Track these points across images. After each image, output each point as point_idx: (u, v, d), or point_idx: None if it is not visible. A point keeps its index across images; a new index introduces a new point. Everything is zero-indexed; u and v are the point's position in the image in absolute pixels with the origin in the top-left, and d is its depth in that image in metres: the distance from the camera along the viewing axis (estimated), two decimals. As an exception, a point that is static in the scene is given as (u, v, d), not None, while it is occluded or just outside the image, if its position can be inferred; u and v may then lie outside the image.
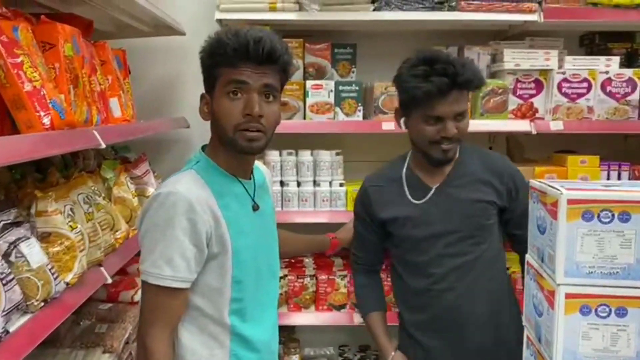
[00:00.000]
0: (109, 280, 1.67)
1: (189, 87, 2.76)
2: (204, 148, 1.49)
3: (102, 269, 1.65)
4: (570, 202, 1.14)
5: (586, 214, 1.13)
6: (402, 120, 1.82)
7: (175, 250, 1.31)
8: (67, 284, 1.43)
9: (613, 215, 1.12)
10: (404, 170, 1.88)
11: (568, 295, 1.15)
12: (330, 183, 2.52)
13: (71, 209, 1.54)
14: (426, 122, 1.71)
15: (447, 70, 1.64)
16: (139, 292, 2.18)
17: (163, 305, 1.34)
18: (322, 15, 2.35)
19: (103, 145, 1.58)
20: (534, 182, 1.38)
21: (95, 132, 1.58)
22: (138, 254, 2.07)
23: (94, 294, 1.95)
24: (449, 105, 1.68)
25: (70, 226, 1.49)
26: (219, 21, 2.40)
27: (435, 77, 1.64)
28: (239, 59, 1.33)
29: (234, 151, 1.40)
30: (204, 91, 1.45)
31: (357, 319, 2.50)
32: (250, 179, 1.51)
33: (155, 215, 1.33)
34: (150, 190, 2.22)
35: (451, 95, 1.66)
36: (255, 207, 1.49)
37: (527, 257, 1.42)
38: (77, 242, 1.48)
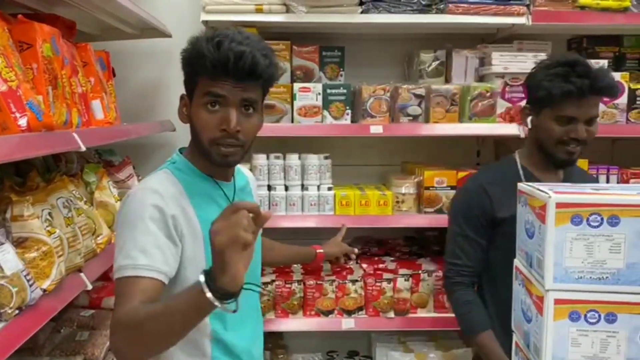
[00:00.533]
0: (89, 287, 1.62)
1: (176, 89, 2.69)
2: (182, 150, 1.47)
3: (82, 275, 1.61)
4: (558, 205, 1.12)
5: (575, 218, 1.11)
6: (528, 119, 1.85)
7: (147, 240, 1.25)
8: (44, 290, 1.38)
9: (602, 219, 1.10)
10: (520, 170, 1.88)
11: (557, 301, 1.13)
12: (319, 187, 2.49)
13: (49, 214, 1.50)
14: (557, 122, 1.76)
15: (589, 73, 1.70)
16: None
17: (136, 296, 1.19)
18: (309, 17, 2.32)
19: (83, 148, 1.54)
20: (521, 186, 1.36)
21: (75, 135, 1.54)
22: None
23: (75, 300, 1.91)
24: (584, 108, 1.73)
25: (48, 231, 1.44)
26: (205, 22, 2.37)
27: (576, 78, 1.69)
28: (218, 73, 1.28)
29: (211, 162, 1.38)
30: (184, 92, 1.42)
31: (345, 325, 2.47)
32: (230, 181, 1.48)
33: (123, 212, 1.31)
34: (134, 195, 2.17)
35: (588, 98, 1.72)
36: None
37: (516, 261, 1.40)
38: (55, 247, 1.43)
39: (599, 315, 1.12)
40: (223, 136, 1.31)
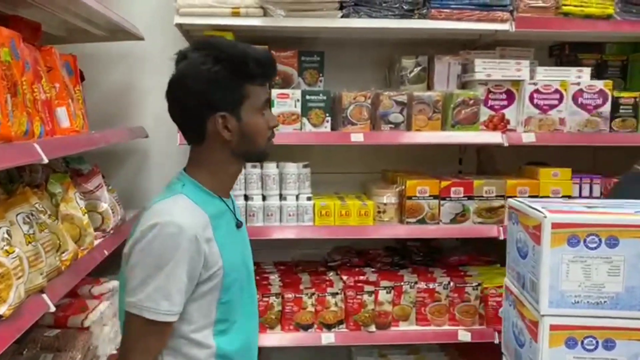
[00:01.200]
0: (52, 309, 1.51)
1: (149, 94, 2.63)
2: (184, 170, 1.44)
3: (44, 296, 1.50)
4: (554, 225, 1.06)
5: (572, 238, 1.05)
6: None
7: (173, 284, 1.27)
8: (1, 316, 1.27)
9: (600, 240, 1.05)
10: None
11: (553, 327, 1.07)
12: (297, 197, 2.42)
13: (7, 232, 1.38)
14: None
15: None
16: (90, 316, 2.04)
17: (154, 337, 1.31)
18: (287, 21, 2.25)
19: (45, 160, 1.43)
20: (511, 202, 1.30)
21: (37, 146, 1.43)
22: (89, 275, 1.94)
23: (39, 319, 1.79)
24: None
25: (6, 251, 1.33)
26: (179, 26, 2.28)
27: None
28: (269, 77, 1.41)
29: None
30: (218, 110, 1.34)
31: (325, 340, 2.39)
32: (229, 197, 1.49)
33: (150, 246, 1.27)
34: (103, 206, 2.06)
35: None
36: (239, 224, 1.49)
37: (506, 281, 1.34)
38: (13, 269, 1.32)
39: (597, 342, 1.06)
40: (272, 132, 1.45)
